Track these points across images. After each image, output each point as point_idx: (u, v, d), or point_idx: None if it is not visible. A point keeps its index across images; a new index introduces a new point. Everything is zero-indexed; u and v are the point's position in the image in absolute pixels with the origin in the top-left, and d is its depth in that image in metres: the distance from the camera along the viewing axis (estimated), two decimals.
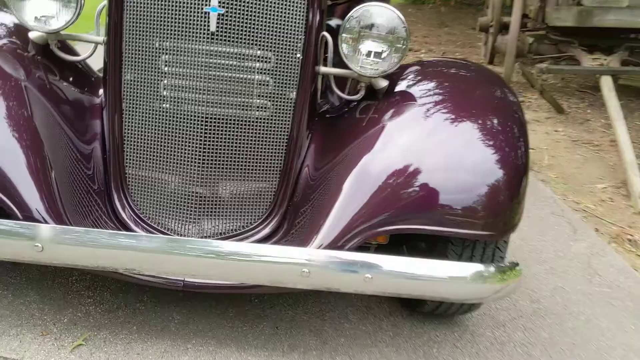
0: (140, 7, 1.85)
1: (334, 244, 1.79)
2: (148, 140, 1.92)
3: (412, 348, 2.31)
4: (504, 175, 1.86)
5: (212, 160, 1.93)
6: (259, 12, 1.90)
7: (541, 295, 2.84)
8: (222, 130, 1.93)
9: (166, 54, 1.86)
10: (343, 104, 2.32)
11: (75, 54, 2.28)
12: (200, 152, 1.89)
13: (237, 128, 1.94)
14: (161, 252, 1.71)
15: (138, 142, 1.91)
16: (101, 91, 2.12)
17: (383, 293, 1.81)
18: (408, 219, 1.81)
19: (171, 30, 1.88)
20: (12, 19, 2.10)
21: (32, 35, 1.99)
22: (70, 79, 2.04)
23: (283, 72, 1.98)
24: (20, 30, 2.08)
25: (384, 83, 2.12)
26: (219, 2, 1.85)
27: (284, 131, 2.00)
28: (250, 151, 1.97)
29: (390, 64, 2.06)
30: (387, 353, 2.26)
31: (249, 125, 1.95)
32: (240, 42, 1.89)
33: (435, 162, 1.85)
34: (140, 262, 1.75)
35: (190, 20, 1.87)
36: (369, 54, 2.06)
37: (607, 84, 5.17)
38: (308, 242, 1.83)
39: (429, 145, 1.88)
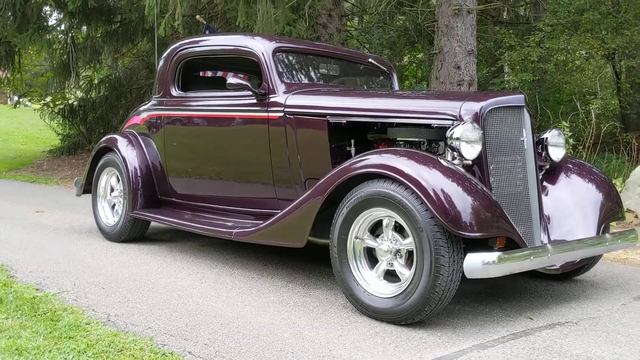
0: (498, 146, 3.46)
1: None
2: (502, 198, 3.43)
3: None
4: (612, 196, 3.85)
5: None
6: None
7: None
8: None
9: (494, 163, 3.40)
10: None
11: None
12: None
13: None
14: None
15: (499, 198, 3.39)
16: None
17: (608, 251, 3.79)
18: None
19: (501, 150, 3.44)
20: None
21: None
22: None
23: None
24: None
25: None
26: (525, 134, 3.49)
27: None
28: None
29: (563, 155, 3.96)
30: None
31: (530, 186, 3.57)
32: (531, 151, 3.54)
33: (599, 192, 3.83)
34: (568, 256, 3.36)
35: (514, 144, 3.49)
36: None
37: None
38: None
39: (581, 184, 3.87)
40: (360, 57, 4.91)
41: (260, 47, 4.21)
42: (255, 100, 4.17)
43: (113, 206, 5.29)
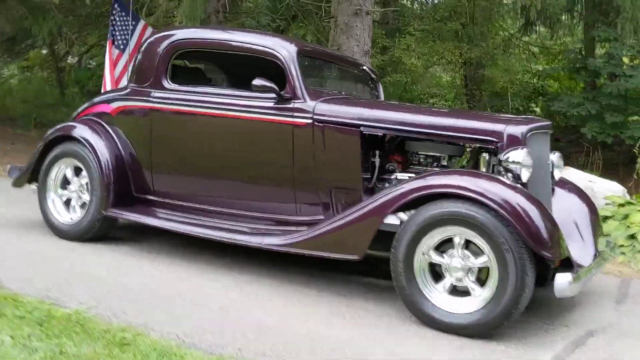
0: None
1: None
2: None
3: None
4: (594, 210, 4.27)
5: None
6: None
7: None
8: None
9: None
10: None
11: None
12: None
13: None
14: None
15: None
16: None
17: None
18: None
19: (535, 170, 3.60)
20: None
21: None
22: None
23: None
24: None
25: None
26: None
27: None
28: None
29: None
30: None
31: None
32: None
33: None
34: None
35: (543, 164, 3.85)
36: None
37: None
38: None
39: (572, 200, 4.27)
40: (355, 64, 4.96)
41: (285, 50, 4.07)
42: (273, 104, 4.04)
43: (66, 201, 4.75)
